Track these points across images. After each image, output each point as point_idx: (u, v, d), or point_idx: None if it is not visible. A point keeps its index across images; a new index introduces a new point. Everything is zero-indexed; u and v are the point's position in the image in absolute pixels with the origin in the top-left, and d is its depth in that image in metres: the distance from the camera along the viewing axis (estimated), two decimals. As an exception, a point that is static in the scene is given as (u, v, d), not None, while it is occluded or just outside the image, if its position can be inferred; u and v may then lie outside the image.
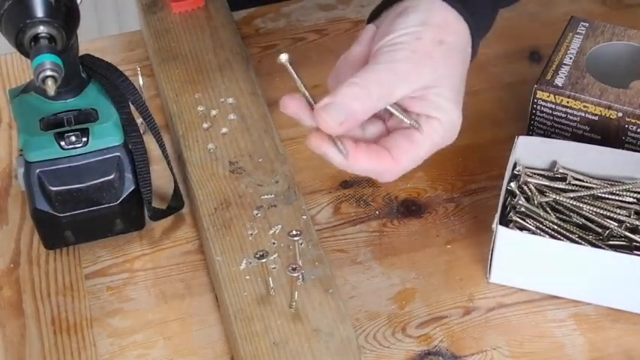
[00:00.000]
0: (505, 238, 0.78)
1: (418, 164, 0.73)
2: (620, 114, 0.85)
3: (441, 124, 0.72)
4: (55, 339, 0.79)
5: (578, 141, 0.85)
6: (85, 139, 0.80)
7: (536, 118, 0.89)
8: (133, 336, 0.79)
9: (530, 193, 0.83)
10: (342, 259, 0.84)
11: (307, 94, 0.70)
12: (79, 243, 0.85)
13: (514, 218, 0.82)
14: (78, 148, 0.80)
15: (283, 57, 0.69)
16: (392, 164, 0.71)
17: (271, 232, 0.82)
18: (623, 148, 0.85)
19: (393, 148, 0.71)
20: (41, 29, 0.70)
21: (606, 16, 1.06)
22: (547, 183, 0.84)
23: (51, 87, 0.68)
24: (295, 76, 0.70)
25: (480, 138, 0.94)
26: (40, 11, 0.70)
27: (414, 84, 0.71)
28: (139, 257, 0.85)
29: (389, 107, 0.71)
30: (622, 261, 0.76)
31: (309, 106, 0.71)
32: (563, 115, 0.87)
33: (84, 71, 0.83)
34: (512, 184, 0.83)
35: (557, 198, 0.83)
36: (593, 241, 0.81)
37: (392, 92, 0.70)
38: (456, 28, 0.73)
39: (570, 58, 0.89)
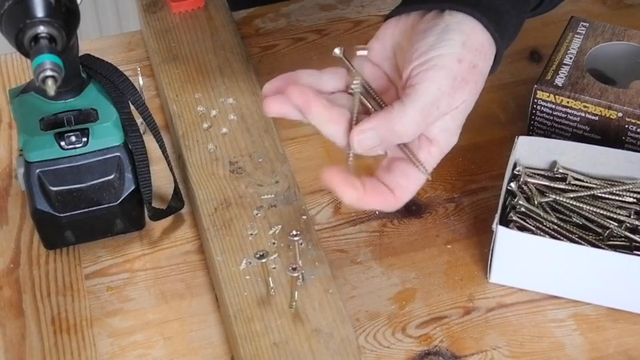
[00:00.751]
0: (505, 238, 0.78)
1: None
2: (620, 114, 0.85)
3: (440, 149, 0.72)
4: (55, 339, 0.79)
5: (578, 141, 0.85)
6: (85, 139, 0.80)
7: (536, 118, 0.89)
8: (133, 336, 0.79)
9: (530, 193, 0.83)
10: (342, 259, 0.84)
11: (370, 88, 0.71)
12: (79, 243, 0.85)
13: (514, 218, 0.82)
14: (78, 148, 0.80)
15: (337, 50, 0.70)
16: (395, 203, 0.72)
17: (271, 232, 0.82)
18: (623, 148, 0.85)
19: (396, 189, 0.72)
20: (41, 29, 0.70)
21: (606, 16, 1.06)
22: (547, 183, 0.84)
23: (51, 87, 0.68)
24: (354, 69, 0.71)
25: (480, 138, 0.94)
26: (40, 11, 0.70)
27: (447, 110, 0.71)
28: (139, 257, 0.85)
29: (403, 149, 0.72)
30: (622, 261, 0.76)
31: (365, 104, 0.72)
32: (563, 115, 0.87)
33: (84, 71, 0.83)
34: (512, 184, 0.83)
35: (557, 198, 0.83)
36: (593, 241, 0.81)
37: (429, 123, 0.71)
38: (487, 52, 0.73)
39: (570, 58, 0.89)
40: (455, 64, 0.70)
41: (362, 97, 0.71)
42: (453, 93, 0.70)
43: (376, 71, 0.75)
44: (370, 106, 0.72)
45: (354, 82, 0.71)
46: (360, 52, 0.72)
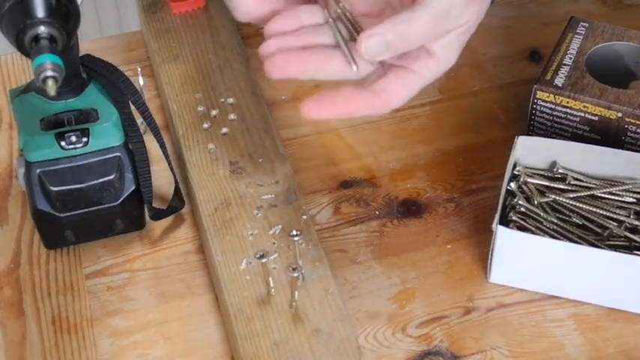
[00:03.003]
0: (505, 238, 0.78)
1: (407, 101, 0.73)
2: (620, 114, 0.85)
3: (438, 64, 0.71)
4: (55, 339, 0.79)
5: (578, 141, 0.85)
6: (85, 139, 0.80)
7: (536, 118, 0.89)
8: (133, 336, 0.79)
9: (530, 193, 0.83)
10: (342, 259, 0.84)
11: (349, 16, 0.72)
12: (79, 243, 0.85)
13: (514, 218, 0.82)
14: (78, 148, 0.80)
15: None
16: (380, 105, 0.71)
17: (271, 232, 0.82)
18: (623, 148, 0.85)
19: (383, 93, 0.71)
20: (42, 30, 0.70)
21: (606, 16, 1.06)
22: (547, 183, 0.84)
23: (51, 87, 0.68)
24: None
25: (480, 138, 0.94)
26: (40, 12, 0.70)
27: (455, 25, 0.70)
28: (139, 257, 0.85)
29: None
30: (622, 261, 0.76)
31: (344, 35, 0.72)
32: (563, 115, 0.87)
33: (84, 71, 0.83)
34: (512, 184, 0.83)
35: (557, 198, 0.83)
36: (593, 241, 0.81)
37: (430, 40, 0.70)
38: None
39: (570, 58, 0.89)
40: None
41: (344, 25, 0.71)
42: (465, 6, 0.70)
43: None
44: (355, 34, 0.71)
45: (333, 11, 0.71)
46: None
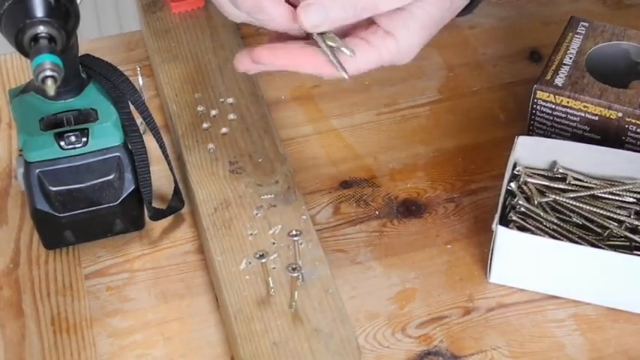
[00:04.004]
0: (505, 238, 0.78)
1: (360, 73, 0.73)
2: (620, 114, 0.85)
3: (397, 44, 0.72)
4: (54, 339, 0.79)
5: (578, 141, 0.85)
6: (84, 139, 0.80)
7: (536, 118, 0.89)
8: (133, 336, 0.79)
9: (530, 193, 0.83)
10: (342, 259, 0.84)
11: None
12: (79, 243, 0.85)
13: (514, 218, 0.82)
14: (78, 148, 0.80)
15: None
16: (331, 71, 0.72)
17: (271, 232, 0.82)
18: (623, 148, 0.85)
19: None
20: (41, 29, 0.70)
21: (606, 16, 1.06)
22: (547, 183, 0.84)
23: (51, 87, 0.68)
24: None
25: (480, 138, 0.94)
26: (39, 11, 0.70)
27: (400, 2, 0.71)
28: (139, 257, 0.85)
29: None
30: (622, 261, 0.76)
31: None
32: (563, 115, 0.87)
33: (84, 71, 0.83)
34: (512, 184, 0.83)
35: (557, 198, 0.83)
36: (593, 241, 0.81)
37: (377, 6, 0.70)
38: None
39: (570, 58, 0.89)
40: None
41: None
42: None
43: None
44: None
45: None
46: None
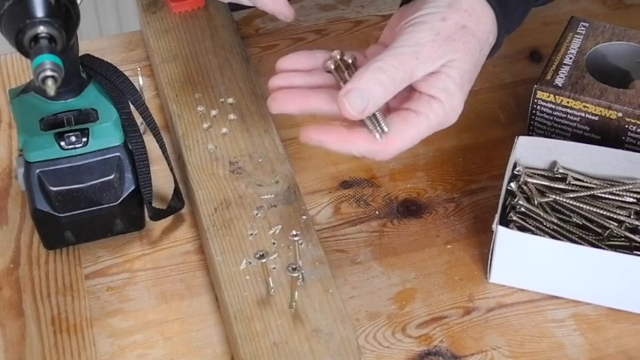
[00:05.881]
0: (505, 238, 0.78)
1: (414, 144, 0.74)
2: (620, 114, 0.85)
3: (443, 106, 0.73)
4: (55, 339, 0.79)
5: (578, 141, 0.85)
6: (85, 139, 0.80)
7: (536, 118, 0.89)
8: (133, 336, 0.79)
9: (530, 193, 0.83)
10: (342, 259, 0.84)
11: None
12: (79, 243, 0.85)
13: (514, 218, 0.82)
14: (78, 148, 0.80)
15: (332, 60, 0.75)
16: (385, 146, 0.72)
17: (271, 232, 0.82)
18: (623, 148, 0.85)
19: (388, 132, 0.72)
20: (41, 29, 0.70)
21: (606, 16, 1.06)
22: (547, 183, 0.84)
23: (51, 87, 0.68)
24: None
25: (480, 138, 0.94)
26: (40, 11, 0.70)
27: (434, 66, 0.72)
28: (139, 257, 0.85)
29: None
30: (622, 261, 0.76)
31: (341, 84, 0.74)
32: (563, 115, 0.87)
33: (84, 71, 0.83)
34: (512, 184, 0.83)
35: (557, 198, 0.83)
36: (593, 241, 0.81)
37: (413, 76, 0.72)
38: (480, 15, 0.74)
39: (570, 58, 0.89)
40: (438, 21, 0.72)
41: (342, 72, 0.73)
42: (435, 47, 0.71)
43: None
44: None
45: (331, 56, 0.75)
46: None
